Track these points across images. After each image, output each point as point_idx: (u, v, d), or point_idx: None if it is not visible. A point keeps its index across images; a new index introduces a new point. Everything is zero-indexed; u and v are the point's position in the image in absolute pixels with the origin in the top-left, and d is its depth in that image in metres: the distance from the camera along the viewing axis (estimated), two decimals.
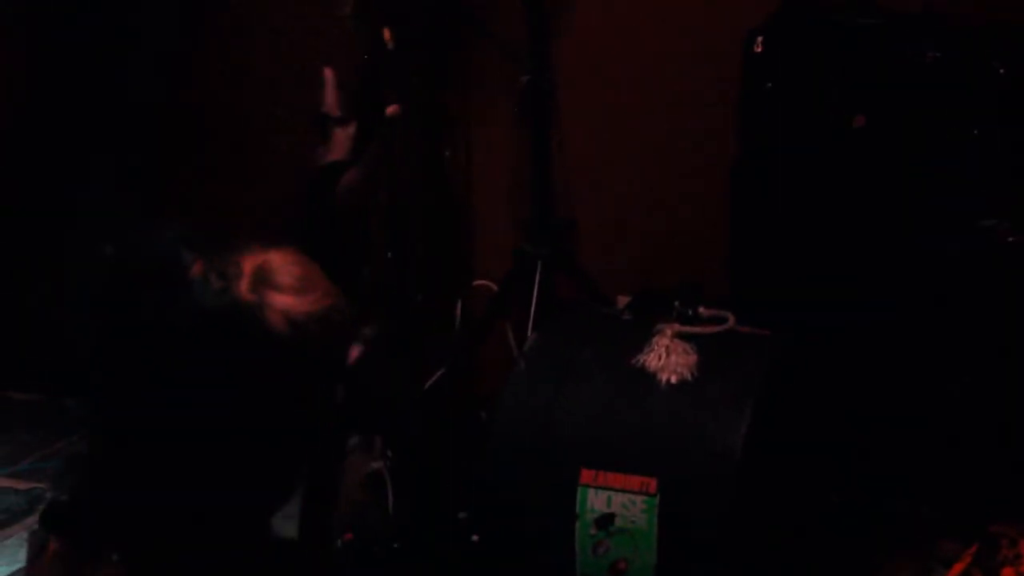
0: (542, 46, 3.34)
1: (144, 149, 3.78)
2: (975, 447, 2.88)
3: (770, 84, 2.95)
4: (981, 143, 2.78)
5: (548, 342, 2.74)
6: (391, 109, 3.13)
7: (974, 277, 2.82)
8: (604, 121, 3.52)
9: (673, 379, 2.52)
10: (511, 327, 3.48)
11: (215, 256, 1.37)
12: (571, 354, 2.65)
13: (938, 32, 2.84)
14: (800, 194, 2.97)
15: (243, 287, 1.35)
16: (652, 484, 2.43)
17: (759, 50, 2.94)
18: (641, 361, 2.56)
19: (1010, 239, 2.76)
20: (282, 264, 1.38)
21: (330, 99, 3.13)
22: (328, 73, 3.12)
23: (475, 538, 2.74)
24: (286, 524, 1.56)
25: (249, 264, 1.37)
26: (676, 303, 2.67)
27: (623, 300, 2.93)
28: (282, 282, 1.36)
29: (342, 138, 3.10)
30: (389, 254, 3.28)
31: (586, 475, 2.48)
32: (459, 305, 3.59)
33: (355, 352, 2.64)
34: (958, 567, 2.60)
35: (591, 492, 2.47)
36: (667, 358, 2.54)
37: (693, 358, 2.55)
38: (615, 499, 2.46)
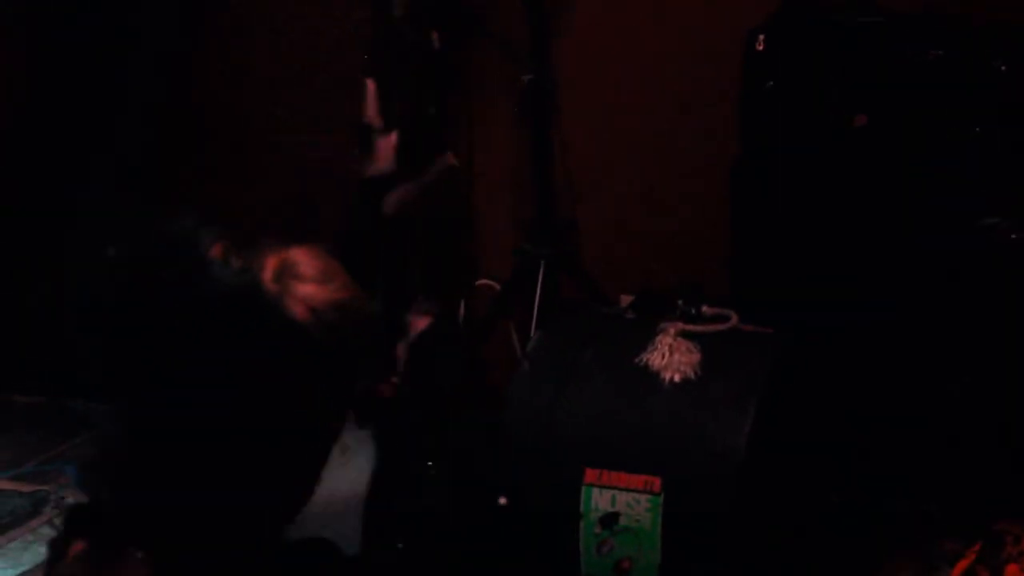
0: (542, 46, 3.34)
1: (144, 149, 3.77)
2: (975, 447, 2.88)
3: (771, 83, 2.96)
4: (982, 142, 2.78)
5: (551, 342, 2.74)
6: (451, 158, 3.18)
7: (975, 277, 2.82)
8: (604, 121, 3.52)
9: (677, 378, 2.52)
10: (515, 327, 3.48)
11: (236, 244, 1.38)
12: (574, 354, 2.65)
13: (939, 31, 2.84)
14: (801, 194, 2.97)
15: (267, 277, 1.35)
16: (656, 483, 2.43)
17: (761, 48, 2.94)
18: (644, 360, 2.56)
19: (1012, 238, 2.77)
20: (304, 258, 1.39)
21: (371, 110, 3.11)
22: (370, 84, 3.11)
23: (502, 500, 2.67)
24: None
25: (272, 258, 1.37)
26: (680, 302, 2.67)
27: (626, 299, 2.93)
28: (304, 272, 1.37)
29: (385, 149, 3.08)
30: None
31: (590, 474, 2.48)
32: (462, 305, 3.59)
33: (421, 323, 2.64)
34: (963, 564, 2.61)
35: (595, 491, 2.47)
36: (671, 356, 2.54)
37: (696, 356, 2.55)
38: (619, 498, 2.46)
